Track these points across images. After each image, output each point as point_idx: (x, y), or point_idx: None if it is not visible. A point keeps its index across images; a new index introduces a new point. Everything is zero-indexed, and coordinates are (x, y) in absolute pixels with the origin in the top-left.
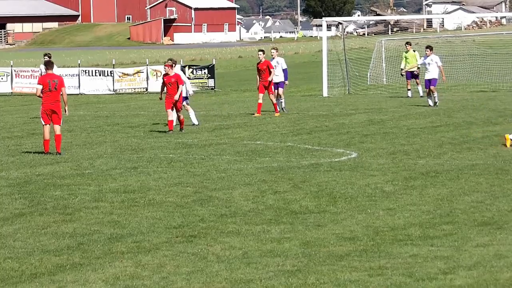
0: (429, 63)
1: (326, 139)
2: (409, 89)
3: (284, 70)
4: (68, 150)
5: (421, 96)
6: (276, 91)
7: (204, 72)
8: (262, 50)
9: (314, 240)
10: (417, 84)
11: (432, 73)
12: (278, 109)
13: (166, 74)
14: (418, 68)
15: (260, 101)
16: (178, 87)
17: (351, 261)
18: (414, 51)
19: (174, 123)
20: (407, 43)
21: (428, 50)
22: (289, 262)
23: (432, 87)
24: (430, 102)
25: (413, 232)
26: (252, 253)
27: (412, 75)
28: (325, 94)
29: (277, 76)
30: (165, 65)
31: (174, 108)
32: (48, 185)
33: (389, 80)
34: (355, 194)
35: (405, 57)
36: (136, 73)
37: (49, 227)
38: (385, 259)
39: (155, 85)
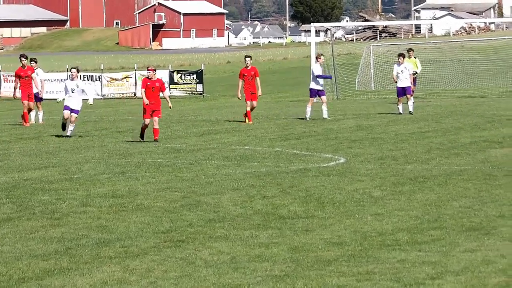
0: (402, 71)
1: (314, 144)
2: (399, 105)
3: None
4: (56, 155)
5: (410, 112)
6: (318, 98)
7: (193, 77)
8: (250, 56)
9: (302, 245)
10: (408, 99)
11: (405, 81)
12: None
13: (149, 78)
14: (415, 73)
15: (249, 108)
16: (158, 94)
17: (339, 266)
18: (415, 57)
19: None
20: (409, 49)
21: (401, 58)
22: (277, 267)
23: (408, 95)
24: (401, 109)
25: (401, 237)
26: (240, 258)
27: (403, 92)
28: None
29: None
30: (148, 69)
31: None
32: (36, 189)
33: (377, 86)
34: (343, 199)
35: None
36: (124, 78)
37: (37, 232)
38: (373, 264)
39: None
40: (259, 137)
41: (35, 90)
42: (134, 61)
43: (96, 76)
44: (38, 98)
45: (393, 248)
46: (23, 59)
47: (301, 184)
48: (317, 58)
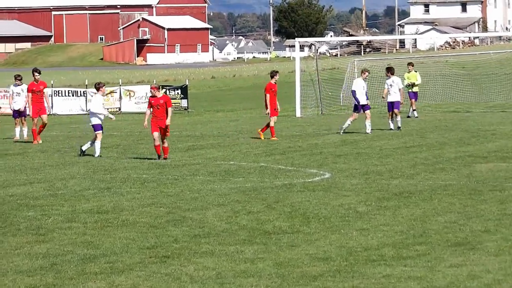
0: (391, 85)
1: (299, 160)
2: (391, 120)
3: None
4: (41, 171)
5: (398, 128)
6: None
7: (177, 93)
8: (277, 72)
9: (287, 261)
10: (396, 115)
11: (394, 95)
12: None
13: (153, 96)
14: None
15: (272, 123)
16: (167, 110)
17: (324, 281)
18: (415, 71)
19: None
20: (409, 63)
21: (388, 72)
22: (262, 282)
23: (396, 110)
24: (392, 125)
25: (387, 252)
26: (225, 273)
27: (392, 106)
28: (298, 114)
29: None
30: (151, 88)
31: (160, 133)
32: (21, 205)
33: None
34: (329, 214)
35: (407, 77)
36: (109, 93)
37: (22, 248)
38: (359, 279)
39: (128, 105)
40: (244, 152)
41: (18, 106)
42: (119, 76)
43: (80, 91)
44: (23, 114)
45: (379, 263)
46: (36, 73)
47: (286, 199)
48: (362, 72)
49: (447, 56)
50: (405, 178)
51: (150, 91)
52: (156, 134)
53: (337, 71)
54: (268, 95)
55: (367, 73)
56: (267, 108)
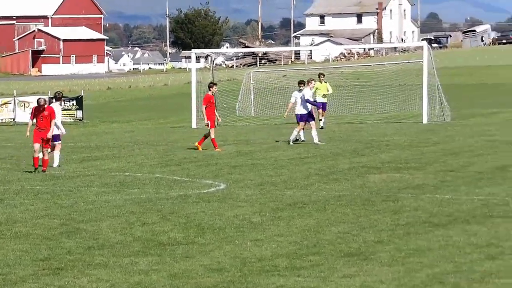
0: (300, 98)
1: (194, 170)
2: (300, 132)
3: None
4: None
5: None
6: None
7: (73, 104)
8: (215, 83)
9: (182, 272)
10: (311, 127)
11: (303, 108)
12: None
13: (38, 107)
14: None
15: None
16: (50, 122)
17: None
18: (325, 82)
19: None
20: (320, 74)
21: (301, 85)
22: None
23: (301, 123)
24: (302, 136)
25: (280, 263)
26: (119, 285)
27: (301, 118)
28: (194, 125)
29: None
30: (39, 99)
31: (42, 145)
32: None
33: (257, 111)
34: (223, 225)
35: (317, 88)
36: (3, 104)
37: None
38: None
39: (23, 116)
40: (139, 163)
41: None
42: (14, 87)
43: None
44: None
45: (272, 273)
46: None
47: (182, 210)
48: (308, 82)
49: (342, 67)
50: (299, 188)
51: (38, 101)
52: (37, 146)
53: (233, 82)
54: (205, 107)
55: (313, 83)
56: (206, 119)
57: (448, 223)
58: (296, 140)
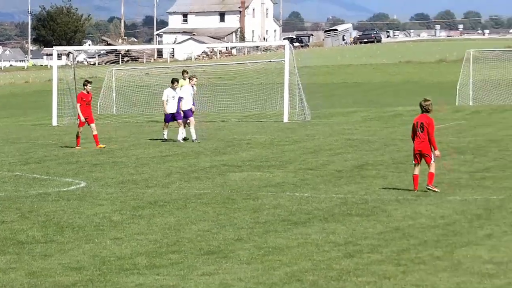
0: (173, 97)
1: (55, 168)
2: (164, 131)
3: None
4: None
5: (194, 140)
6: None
7: None
8: (90, 81)
9: (40, 270)
10: (189, 125)
11: (175, 107)
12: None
13: None
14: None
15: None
16: None
17: None
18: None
19: None
20: (184, 71)
21: (175, 82)
22: None
23: (179, 121)
24: (165, 135)
25: (140, 261)
26: None
27: (172, 117)
28: (54, 123)
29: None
30: None
31: None
32: None
33: (119, 109)
34: (83, 223)
35: (181, 85)
36: None
37: None
38: None
39: None
40: None
41: None
42: None
43: None
44: None
45: (132, 272)
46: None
47: (41, 208)
48: (190, 79)
49: (205, 66)
50: (160, 187)
51: None
52: None
53: (95, 79)
54: (79, 105)
55: (195, 79)
56: (79, 117)
57: (307, 221)
58: (185, 138)
